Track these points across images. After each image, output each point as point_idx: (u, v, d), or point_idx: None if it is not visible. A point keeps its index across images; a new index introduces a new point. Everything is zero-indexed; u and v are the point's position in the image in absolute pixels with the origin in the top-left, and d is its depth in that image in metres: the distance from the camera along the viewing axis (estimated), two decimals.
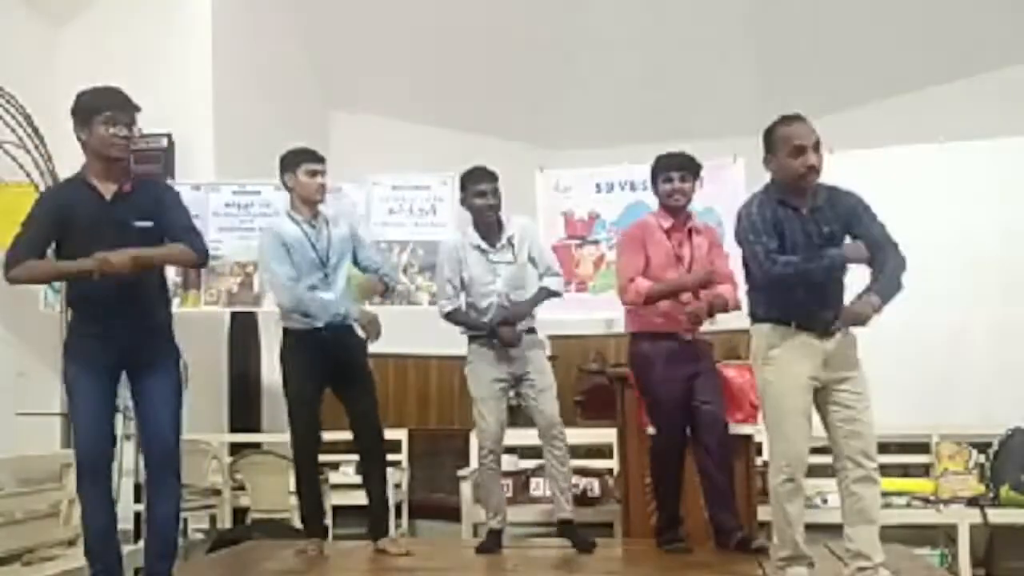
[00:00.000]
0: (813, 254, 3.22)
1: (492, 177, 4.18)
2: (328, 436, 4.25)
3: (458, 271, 4.17)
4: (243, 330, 6.87)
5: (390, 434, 4.83)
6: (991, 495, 4.99)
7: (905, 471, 5.28)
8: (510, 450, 4.74)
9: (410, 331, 6.33)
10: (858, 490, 3.19)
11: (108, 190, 3.32)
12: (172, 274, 5.20)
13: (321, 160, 4.17)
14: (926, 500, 5.07)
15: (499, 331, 4.08)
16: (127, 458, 4.82)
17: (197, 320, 6.14)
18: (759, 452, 4.37)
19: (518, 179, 5.57)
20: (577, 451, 5.14)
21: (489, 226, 4.21)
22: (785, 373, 3.24)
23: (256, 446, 6.24)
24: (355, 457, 6.24)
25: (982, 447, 5.14)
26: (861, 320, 3.20)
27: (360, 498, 5.88)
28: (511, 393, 4.19)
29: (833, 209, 3.31)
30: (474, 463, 4.99)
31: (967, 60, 7.40)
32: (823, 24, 7.94)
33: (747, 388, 4.06)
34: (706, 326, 4.20)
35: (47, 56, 6.64)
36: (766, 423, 3.35)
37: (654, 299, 3.91)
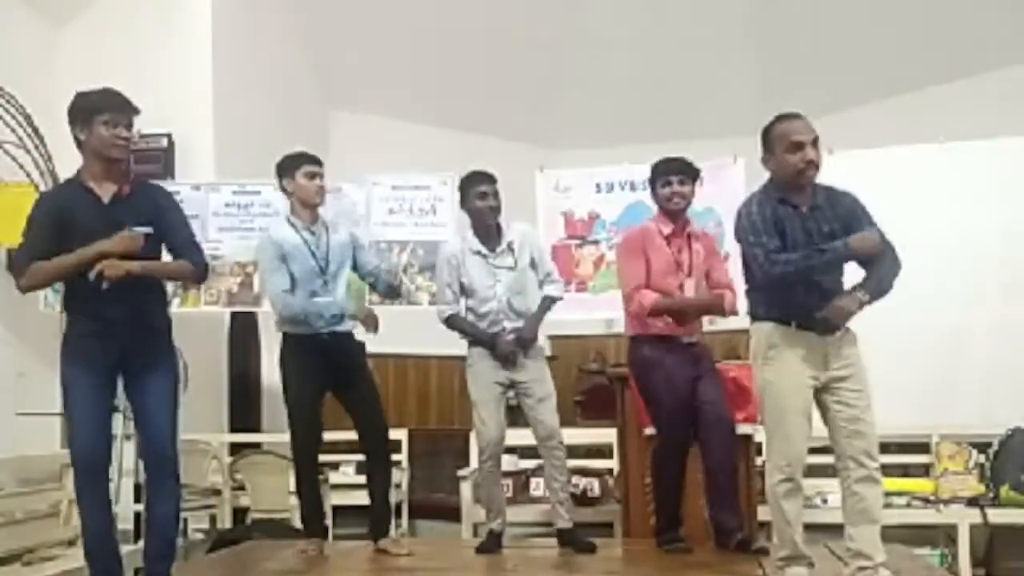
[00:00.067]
0: (813, 251, 3.21)
1: (492, 179, 4.19)
2: (328, 436, 4.25)
3: (457, 277, 4.17)
4: (243, 330, 6.87)
5: (390, 434, 4.82)
6: (991, 495, 4.99)
7: (905, 471, 5.28)
8: (510, 450, 4.74)
9: (410, 331, 6.33)
10: (860, 490, 3.19)
11: (106, 193, 3.32)
12: None
13: (319, 163, 4.17)
14: (926, 500, 5.07)
15: (498, 344, 4.07)
16: (127, 458, 4.82)
17: (197, 320, 6.14)
18: (759, 452, 4.37)
19: (518, 179, 5.57)
20: (577, 451, 5.15)
21: (489, 229, 4.20)
22: (785, 373, 3.24)
23: (256, 446, 6.24)
24: (355, 457, 6.28)
25: (982, 447, 5.14)
26: (844, 315, 3.18)
27: (360, 498, 5.89)
28: (511, 394, 4.18)
29: (832, 208, 3.31)
30: (474, 463, 5.00)
31: (967, 60, 7.40)
32: (823, 24, 7.94)
33: (747, 388, 4.06)
34: (706, 326, 4.22)
35: (47, 56, 6.64)
36: (765, 423, 3.35)
37: (658, 313, 3.91)
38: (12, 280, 5.92)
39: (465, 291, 4.19)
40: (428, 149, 7.89)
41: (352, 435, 4.65)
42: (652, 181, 4.09)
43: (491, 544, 4.15)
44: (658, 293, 3.91)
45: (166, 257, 3.47)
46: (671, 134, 7.16)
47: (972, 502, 4.97)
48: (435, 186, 6.12)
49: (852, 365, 3.27)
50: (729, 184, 5.64)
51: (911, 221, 5.01)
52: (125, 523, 4.71)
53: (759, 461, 4.34)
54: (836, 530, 3.49)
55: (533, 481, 5.28)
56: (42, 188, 5.45)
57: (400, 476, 6.37)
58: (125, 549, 3.62)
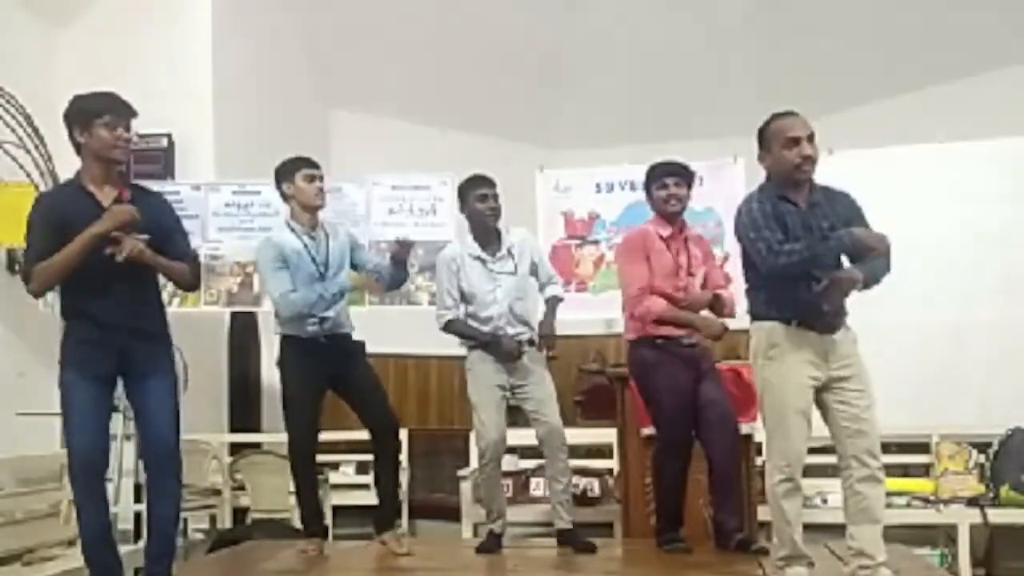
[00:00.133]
0: (816, 240, 3.20)
1: (492, 183, 4.20)
2: (328, 436, 4.26)
3: (456, 282, 4.16)
4: (243, 330, 6.87)
5: None
6: (991, 495, 4.99)
7: (905, 471, 5.29)
8: (510, 450, 4.74)
9: (410, 331, 6.33)
10: (862, 489, 3.18)
11: (106, 197, 3.31)
12: None
13: (317, 166, 4.18)
14: (926, 500, 5.07)
15: (501, 342, 4.07)
16: (127, 458, 4.82)
17: (197, 320, 6.14)
18: (759, 452, 4.37)
19: (518, 179, 5.58)
20: (577, 451, 5.15)
21: (489, 233, 4.20)
22: (786, 372, 3.24)
23: (256, 446, 6.24)
24: (355, 457, 6.30)
25: (982, 447, 5.15)
26: (852, 283, 3.15)
27: (360, 498, 5.94)
28: (511, 396, 4.18)
29: (831, 205, 3.31)
30: (474, 463, 5.00)
31: (967, 60, 7.40)
32: (823, 24, 7.94)
33: (747, 388, 4.06)
34: None
35: (47, 56, 6.63)
36: (765, 423, 3.34)
37: (663, 323, 3.92)
38: (12, 280, 6.00)
39: (465, 297, 4.18)
40: (428, 149, 7.89)
41: (352, 435, 4.66)
42: (648, 184, 4.10)
43: (491, 544, 4.16)
44: (662, 297, 3.91)
45: None
46: (671, 134, 7.18)
47: (972, 502, 4.98)
48: (435, 186, 6.12)
49: (853, 364, 3.27)
50: (729, 184, 5.64)
51: (911, 221, 5.02)
52: (125, 523, 4.71)
53: (759, 461, 4.34)
54: (836, 530, 3.49)
55: (533, 481, 5.28)
56: (42, 188, 5.45)
57: (400, 476, 6.37)
58: (125, 549, 3.63)
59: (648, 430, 4.27)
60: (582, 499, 4.99)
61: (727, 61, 8.37)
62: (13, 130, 5.83)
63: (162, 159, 6.53)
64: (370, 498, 5.15)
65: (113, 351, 3.30)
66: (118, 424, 4.57)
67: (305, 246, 4.08)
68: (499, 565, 4.05)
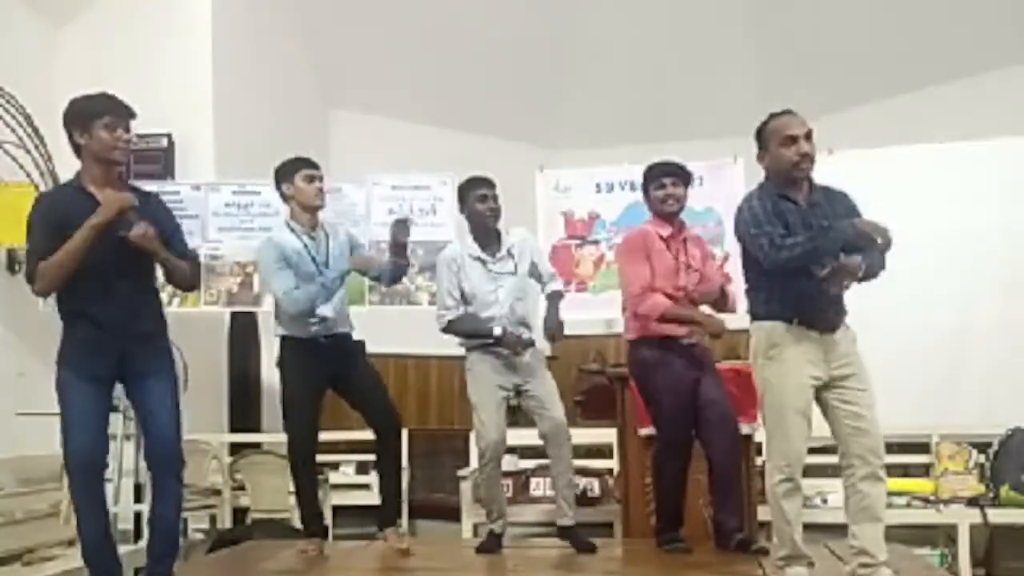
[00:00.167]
0: (818, 231, 3.20)
1: (491, 183, 4.20)
2: (328, 436, 4.25)
3: (457, 283, 4.16)
4: (243, 330, 6.87)
5: None
6: (991, 495, 4.99)
7: (905, 471, 5.29)
8: (510, 450, 4.74)
9: (410, 331, 6.32)
10: (864, 488, 3.18)
11: None
12: None
13: (317, 166, 4.18)
14: (926, 500, 5.07)
15: (505, 338, 4.07)
16: (127, 458, 4.82)
17: (197, 320, 6.14)
18: (759, 452, 4.37)
19: (518, 179, 5.58)
20: (577, 451, 5.12)
21: (489, 234, 4.20)
22: (787, 372, 3.24)
23: (256, 446, 6.24)
24: (355, 457, 6.31)
25: (982, 447, 5.15)
26: (855, 270, 3.12)
27: (360, 498, 5.94)
28: (512, 396, 4.18)
29: (831, 205, 3.32)
30: (474, 463, 5.00)
31: (967, 60, 7.40)
32: (823, 24, 7.94)
33: (747, 388, 4.06)
34: None
35: (47, 56, 6.63)
36: (765, 422, 3.34)
37: (666, 320, 3.92)
38: (12, 280, 6.00)
39: (465, 298, 4.17)
40: (428, 149, 7.89)
41: (352, 435, 4.66)
42: (645, 184, 4.10)
43: (491, 544, 4.15)
44: (664, 296, 3.91)
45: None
46: (671, 134, 7.18)
47: (972, 502, 4.98)
48: (435, 186, 6.12)
49: (853, 363, 3.27)
50: (729, 184, 5.64)
51: (911, 221, 5.00)
52: (125, 523, 4.71)
53: (759, 461, 4.34)
54: (836, 530, 3.49)
55: (533, 481, 5.28)
56: (42, 188, 5.45)
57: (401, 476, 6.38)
58: (125, 549, 3.63)
59: (647, 430, 4.27)
60: (582, 499, 4.98)
61: (727, 61, 8.37)
62: (13, 130, 5.83)
63: (162, 159, 6.53)
64: (370, 498, 5.17)
65: (113, 353, 3.31)
66: (118, 424, 4.58)
67: (305, 246, 4.08)
68: (499, 565, 4.05)
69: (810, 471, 3.44)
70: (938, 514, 4.99)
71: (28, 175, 5.81)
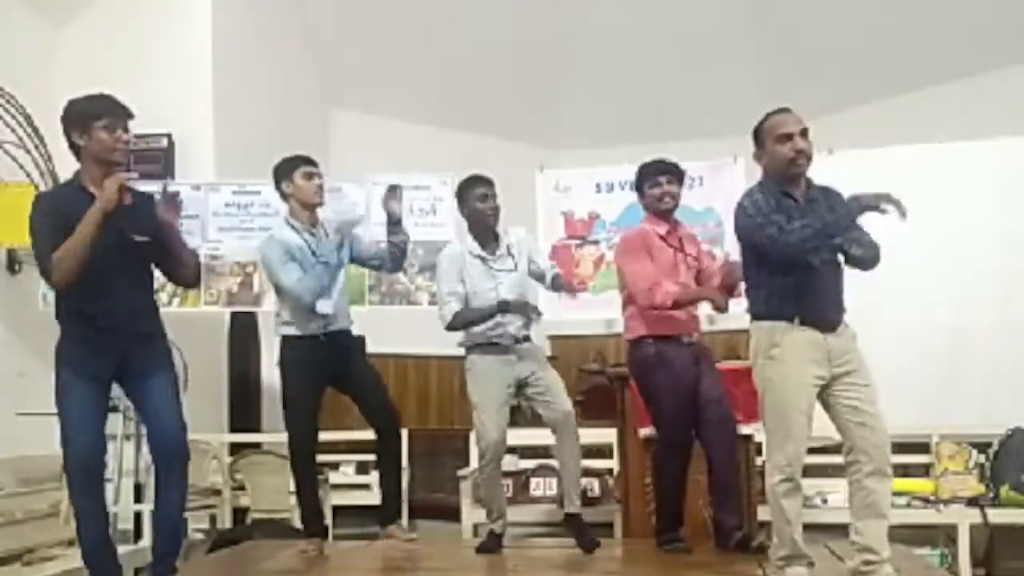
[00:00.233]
0: (824, 212, 3.19)
1: (491, 182, 4.20)
2: (328, 436, 4.26)
3: (459, 279, 4.15)
4: (243, 330, 6.87)
5: None
6: (991, 495, 4.99)
7: (905, 471, 5.28)
8: (510, 450, 4.74)
9: (410, 331, 6.32)
10: (870, 484, 3.17)
11: None
12: None
13: (315, 163, 4.20)
14: (926, 500, 5.07)
15: (512, 304, 4.04)
16: (127, 458, 4.83)
17: (197, 320, 6.14)
18: (759, 452, 4.37)
19: (518, 179, 5.58)
20: None
21: (488, 233, 4.20)
22: (788, 371, 3.23)
23: (256, 446, 6.24)
24: (355, 457, 6.31)
25: (982, 447, 5.15)
26: (881, 197, 3.12)
27: (360, 498, 5.94)
28: (514, 394, 4.17)
29: (828, 202, 3.32)
30: (474, 463, 5.00)
31: (967, 60, 7.40)
32: (823, 24, 7.94)
33: (748, 388, 4.06)
34: (705, 326, 4.23)
35: (47, 56, 6.64)
36: (766, 422, 3.33)
37: (681, 305, 3.93)
38: (12, 280, 6.00)
39: (467, 296, 4.17)
40: (428, 149, 7.89)
41: (352, 435, 4.66)
42: (639, 183, 4.11)
43: (491, 544, 4.15)
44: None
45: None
46: (671, 134, 7.18)
47: (972, 502, 4.98)
48: (435, 186, 6.11)
49: (854, 360, 3.27)
50: (728, 184, 5.63)
51: (911, 221, 5.00)
52: (125, 523, 4.71)
53: (759, 461, 4.35)
54: (836, 530, 3.49)
55: (533, 481, 5.28)
56: (42, 188, 5.46)
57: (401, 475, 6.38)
58: (125, 549, 3.63)
59: (646, 431, 4.27)
60: (582, 499, 4.97)
61: (727, 61, 8.38)
62: (13, 130, 5.84)
63: (162, 159, 6.53)
64: (370, 498, 5.17)
65: (112, 354, 3.31)
66: (118, 424, 4.58)
67: (306, 242, 4.09)
68: (499, 565, 4.05)
69: (810, 471, 3.43)
70: (938, 514, 4.99)
71: (28, 175, 5.81)
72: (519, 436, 4.56)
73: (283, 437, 4.19)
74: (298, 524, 4.56)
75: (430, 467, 6.77)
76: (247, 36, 7.42)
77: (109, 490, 3.73)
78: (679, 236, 4.08)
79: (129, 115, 3.36)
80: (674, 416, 3.92)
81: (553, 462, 5.02)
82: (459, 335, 4.21)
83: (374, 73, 8.44)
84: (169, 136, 6.58)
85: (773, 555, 3.38)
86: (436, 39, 8.29)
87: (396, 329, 6.31)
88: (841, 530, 3.30)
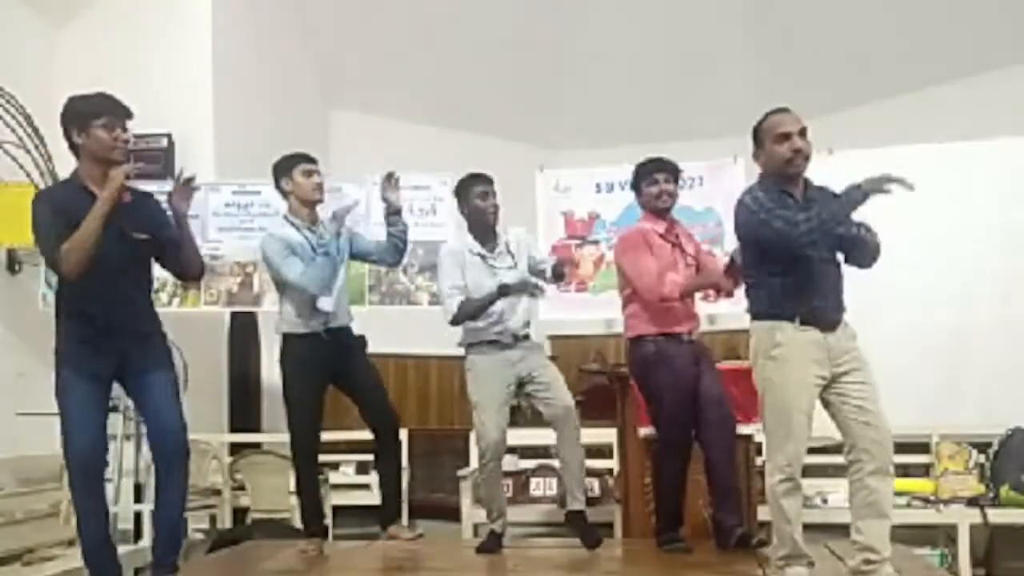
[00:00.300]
0: (829, 200, 3.19)
1: (490, 180, 4.21)
2: (328, 436, 4.26)
3: (460, 274, 4.16)
4: (243, 330, 6.87)
5: None
6: (991, 495, 4.99)
7: (905, 471, 5.28)
8: (510, 450, 4.74)
9: (410, 331, 6.33)
10: (872, 483, 3.17)
11: None
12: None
13: (315, 160, 4.20)
14: (926, 500, 5.07)
15: (513, 284, 4.04)
16: (127, 458, 4.83)
17: (197, 320, 6.14)
18: (759, 452, 4.37)
19: (518, 179, 5.58)
20: None
21: (488, 231, 4.20)
22: (789, 371, 3.23)
23: (256, 446, 6.24)
24: (355, 457, 6.31)
25: (982, 447, 5.14)
26: (884, 178, 3.14)
27: (360, 498, 5.94)
28: (514, 392, 4.17)
29: (825, 204, 3.31)
30: (474, 463, 4.99)
31: (967, 60, 7.41)
32: (823, 24, 7.95)
33: (748, 388, 4.06)
34: (705, 326, 4.23)
35: (47, 56, 6.64)
36: (767, 422, 3.33)
37: (688, 294, 3.95)
38: (12, 280, 6.01)
39: (467, 292, 4.17)
40: (428, 149, 7.89)
41: (352, 435, 4.66)
42: (637, 181, 4.11)
43: (491, 544, 4.15)
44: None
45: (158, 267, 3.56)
46: (671, 134, 7.18)
47: (972, 502, 4.98)
48: (435, 186, 6.12)
49: (855, 359, 3.27)
50: (728, 184, 5.63)
51: (911, 221, 5.01)
52: (125, 523, 4.71)
53: (759, 461, 4.34)
54: (836, 530, 3.49)
55: (533, 481, 5.28)
56: (42, 188, 5.45)
57: (401, 475, 6.38)
58: (125, 549, 3.63)
59: (646, 430, 4.27)
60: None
61: (727, 61, 8.38)
62: (13, 130, 5.84)
63: (162, 159, 6.53)
64: (370, 498, 5.17)
65: (112, 353, 3.31)
66: (118, 424, 4.59)
67: (306, 239, 4.09)
68: (499, 565, 4.05)
69: (810, 471, 3.43)
70: (938, 514, 4.99)
71: (28, 175, 5.82)
72: (519, 436, 4.56)
73: (283, 437, 4.19)
74: (298, 524, 4.56)
75: (430, 467, 6.78)
76: (247, 36, 7.43)
77: (109, 490, 3.72)
78: (677, 234, 4.09)
79: (128, 114, 3.36)
80: (674, 415, 3.91)
81: (553, 462, 5.03)
82: (459, 334, 4.21)
83: (374, 73, 8.45)
84: (169, 136, 6.59)
85: (773, 555, 3.38)
86: (436, 39, 8.29)
87: (396, 329, 6.31)
88: (841, 530, 3.30)
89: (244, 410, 6.89)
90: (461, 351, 4.25)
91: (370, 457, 5.33)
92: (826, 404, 3.29)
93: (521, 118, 8.81)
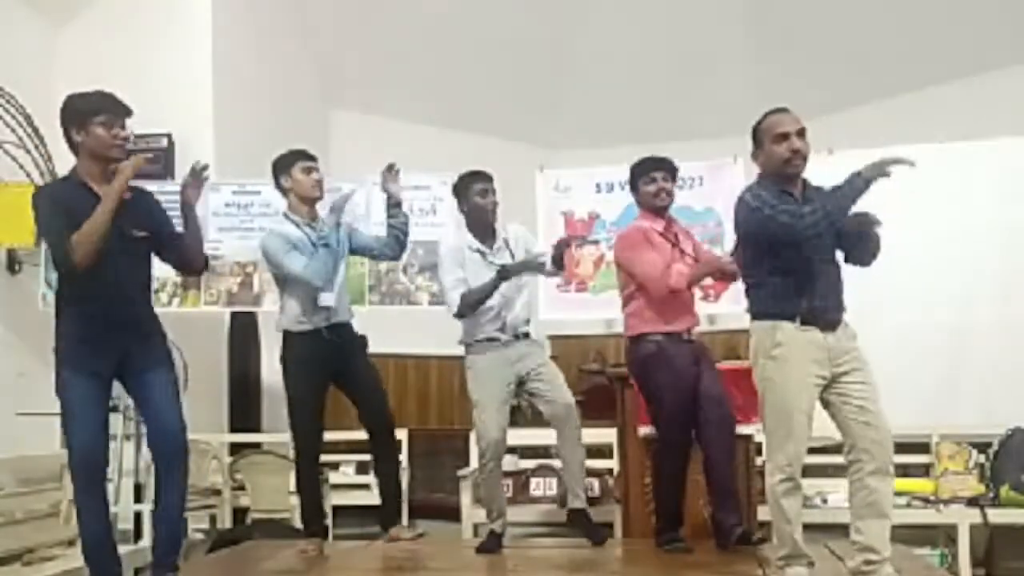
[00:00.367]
0: (830, 192, 3.19)
1: (489, 177, 4.22)
2: (328, 436, 4.26)
3: (461, 268, 4.16)
4: (243, 330, 6.87)
5: None
6: (991, 495, 4.99)
7: (905, 471, 5.28)
8: (510, 450, 4.74)
9: (410, 331, 6.33)
10: (872, 483, 3.16)
11: None
12: (172, 274, 5.21)
13: (314, 158, 4.21)
14: (926, 500, 5.07)
15: (511, 267, 4.04)
16: (127, 458, 4.83)
17: (197, 320, 6.14)
18: (759, 452, 4.37)
19: (518, 179, 5.58)
20: None
21: (487, 228, 4.21)
22: (790, 371, 3.23)
23: (256, 446, 6.25)
24: (355, 457, 6.31)
25: (982, 447, 5.14)
26: (885, 163, 3.18)
27: (360, 498, 5.94)
28: (515, 390, 4.17)
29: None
30: (474, 463, 5.00)
31: (967, 60, 7.41)
32: (823, 24, 7.95)
33: (748, 388, 4.06)
34: (705, 326, 4.23)
35: (47, 56, 6.64)
36: (767, 422, 3.33)
37: (695, 282, 3.97)
38: (12, 280, 6.01)
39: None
40: (428, 149, 7.88)
41: (352, 435, 4.66)
42: (634, 180, 4.11)
43: (491, 544, 4.15)
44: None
45: (159, 266, 3.57)
46: (671, 134, 7.18)
47: (972, 502, 4.97)
48: (435, 186, 6.12)
49: (855, 359, 3.27)
50: (728, 184, 5.62)
51: (911, 221, 5.02)
52: (125, 523, 4.71)
53: (759, 461, 4.34)
54: (836, 530, 3.48)
55: (533, 481, 5.28)
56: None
57: (400, 476, 6.38)
58: (125, 549, 3.63)
59: (646, 429, 4.27)
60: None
61: (727, 61, 8.38)
62: (13, 130, 5.85)
63: (162, 159, 6.53)
64: (370, 498, 5.16)
65: (112, 352, 3.31)
66: (118, 424, 4.58)
67: (306, 235, 4.10)
68: (499, 565, 4.05)
69: (810, 471, 3.42)
70: (938, 514, 4.99)
71: (28, 175, 5.82)
72: (519, 436, 4.56)
73: (283, 437, 4.20)
74: (298, 524, 4.56)
75: (430, 467, 6.78)
76: (247, 36, 7.43)
77: (109, 490, 3.72)
78: (675, 232, 4.09)
79: (127, 112, 3.36)
80: (674, 414, 3.91)
81: (553, 462, 5.03)
82: (459, 333, 4.22)
83: (374, 73, 8.45)
84: (169, 136, 6.59)
85: (773, 555, 3.38)
86: (436, 39, 8.29)
87: (396, 329, 6.31)
88: (841, 530, 3.30)
89: (244, 410, 6.89)
90: (461, 351, 4.25)
91: (370, 457, 5.34)
92: (826, 404, 3.28)
93: (521, 118, 8.81)
